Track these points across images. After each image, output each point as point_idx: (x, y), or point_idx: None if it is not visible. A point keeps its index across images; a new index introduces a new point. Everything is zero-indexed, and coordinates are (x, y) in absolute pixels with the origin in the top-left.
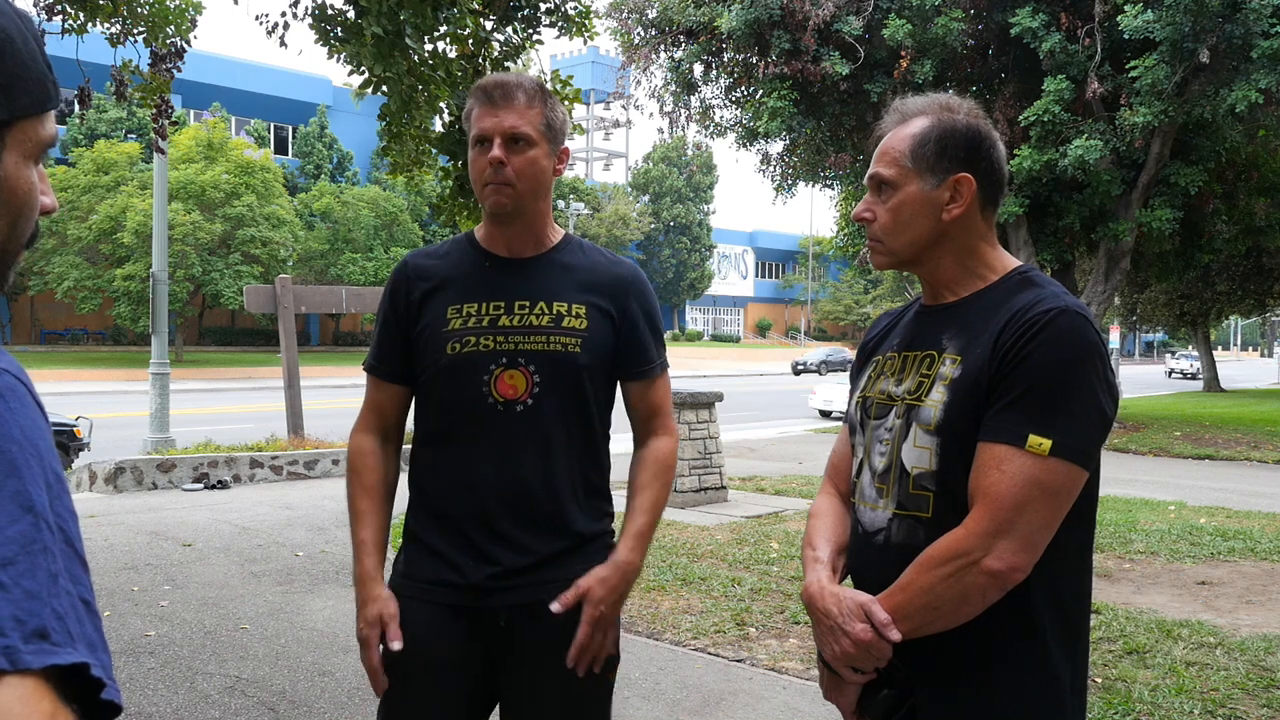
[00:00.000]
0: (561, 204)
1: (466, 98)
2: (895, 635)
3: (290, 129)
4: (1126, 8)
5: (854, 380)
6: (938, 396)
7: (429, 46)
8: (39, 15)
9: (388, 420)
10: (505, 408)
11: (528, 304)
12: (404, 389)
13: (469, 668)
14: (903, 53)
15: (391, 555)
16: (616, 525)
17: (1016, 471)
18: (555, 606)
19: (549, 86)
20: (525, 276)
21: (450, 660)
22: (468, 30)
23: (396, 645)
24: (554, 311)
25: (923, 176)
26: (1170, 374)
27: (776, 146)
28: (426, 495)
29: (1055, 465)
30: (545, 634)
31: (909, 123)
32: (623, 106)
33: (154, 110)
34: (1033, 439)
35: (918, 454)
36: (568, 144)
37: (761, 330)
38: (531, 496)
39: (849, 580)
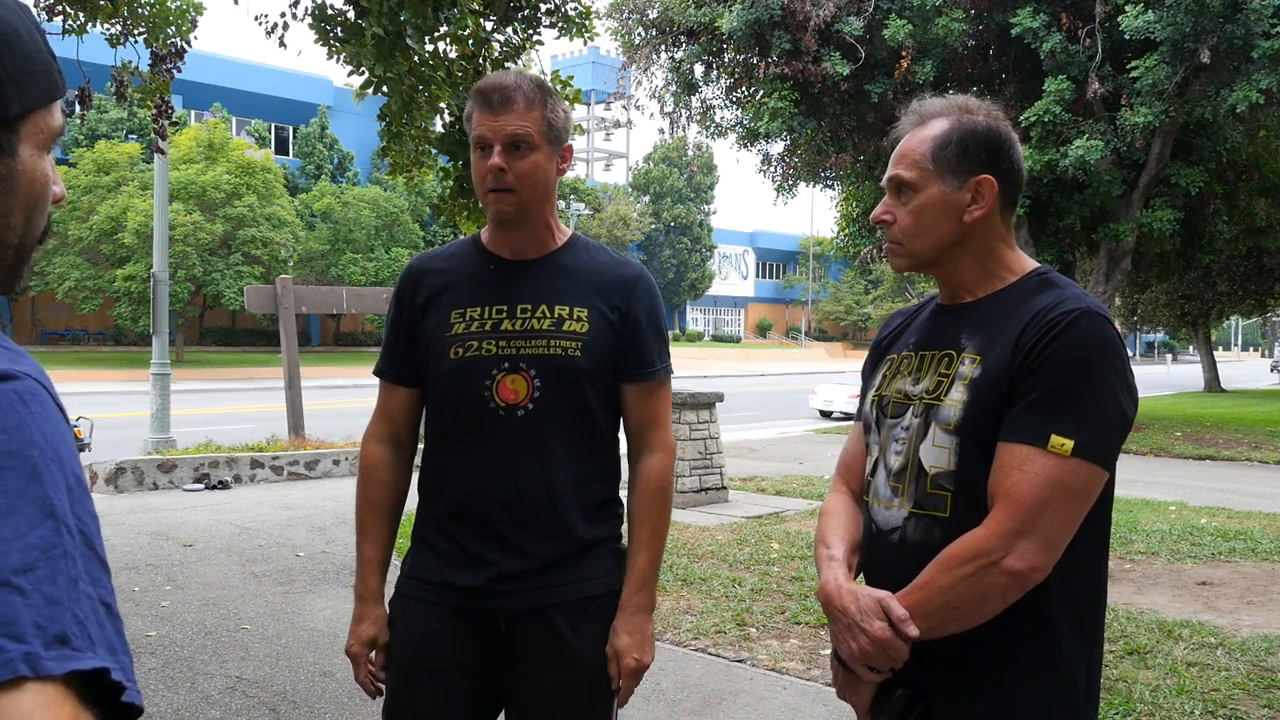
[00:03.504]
0: (562, 204)
1: (467, 98)
2: (913, 631)
3: (291, 129)
4: (1127, 8)
5: (867, 378)
6: (957, 396)
7: (429, 47)
8: (39, 16)
9: (399, 426)
10: (506, 412)
11: (529, 307)
12: (414, 392)
13: (472, 670)
14: (903, 53)
15: (397, 559)
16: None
17: (1038, 472)
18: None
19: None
20: (528, 279)
21: (453, 662)
22: (468, 30)
23: (381, 676)
24: (555, 315)
25: (943, 178)
26: None
27: (777, 147)
28: (432, 497)
29: (1077, 466)
30: (547, 638)
31: (928, 124)
32: (623, 107)
33: (154, 111)
34: (1055, 439)
35: (936, 453)
36: (569, 142)
37: (762, 331)
38: (531, 502)
39: (861, 579)
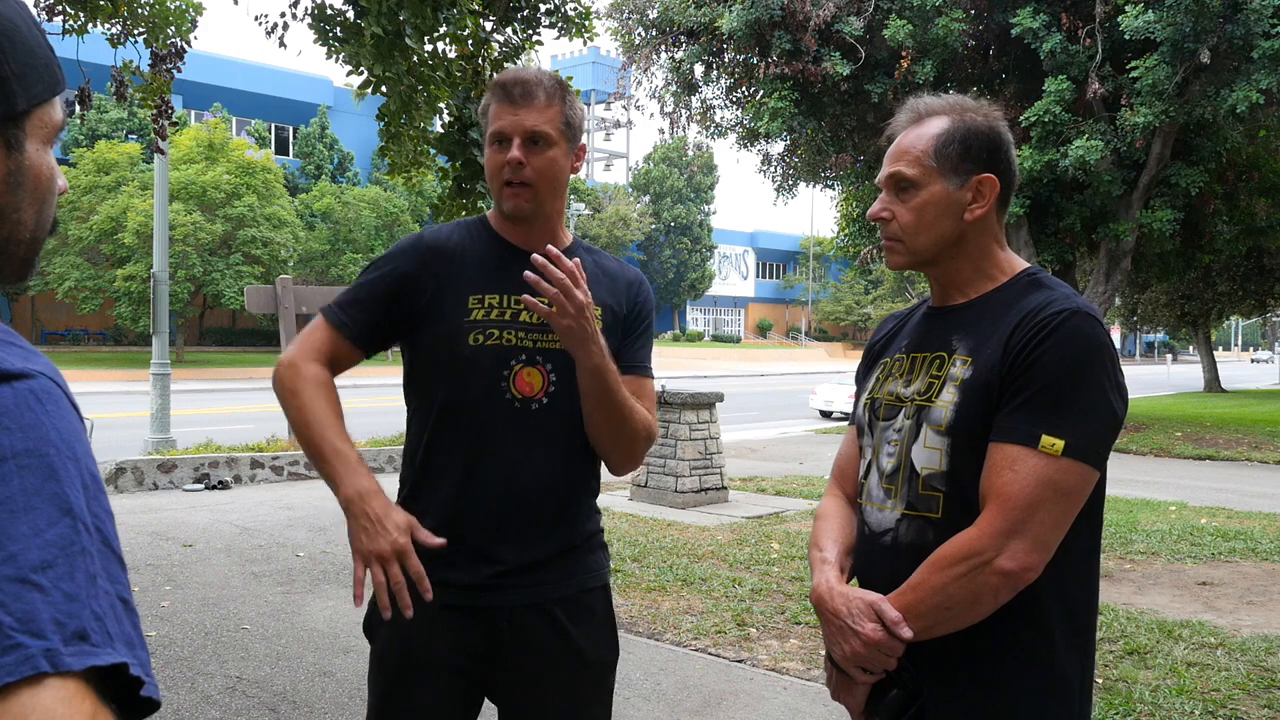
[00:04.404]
0: None
1: (469, 96)
2: (907, 633)
3: (291, 129)
4: (1127, 8)
5: (861, 382)
6: (948, 397)
7: (429, 47)
8: (40, 16)
9: (331, 367)
10: (522, 404)
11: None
12: (354, 353)
13: (464, 666)
14: (903, 53)
15: None
16: (607, 524)
17: (1029, 472)
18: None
19: None
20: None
21: (447, 659)
22: (467, 31)
23: (439, 541)
24: None
25: (946, 176)
26: None
27: (777, 147)
28: (430, 489)
29: (1068, 465)
30: (550, 633)
31: (927, 122)
32: (623, 107)
33: (154, 111)
34: (1045, 439)
35: (928, 455)
36: (583, 141)
37: (762, 331)
38: (544, 494)
39: (855, 581)
